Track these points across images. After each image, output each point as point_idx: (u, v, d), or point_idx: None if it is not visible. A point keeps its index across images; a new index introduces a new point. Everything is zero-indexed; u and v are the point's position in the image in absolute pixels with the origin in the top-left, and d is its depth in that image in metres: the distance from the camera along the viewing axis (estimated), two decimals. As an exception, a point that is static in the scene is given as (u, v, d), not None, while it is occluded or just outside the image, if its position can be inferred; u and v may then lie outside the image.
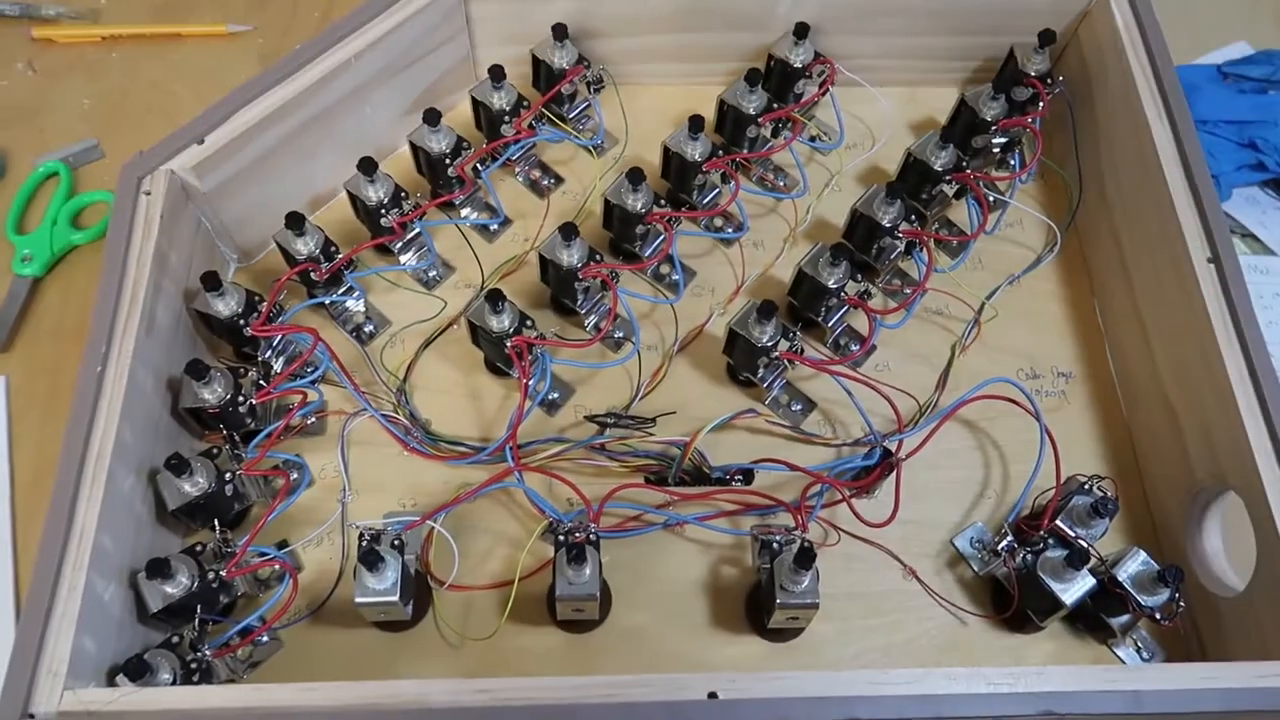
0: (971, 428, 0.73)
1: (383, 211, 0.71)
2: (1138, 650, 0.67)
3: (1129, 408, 0.74)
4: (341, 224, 0.75)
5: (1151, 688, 0.53)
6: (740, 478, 0.69)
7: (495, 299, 0.65)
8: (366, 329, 0.74)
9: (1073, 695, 0.53)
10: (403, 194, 0.72)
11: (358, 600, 0.58)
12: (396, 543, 0.60)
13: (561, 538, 0.61)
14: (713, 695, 0.52)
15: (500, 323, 0.66)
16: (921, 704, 0.52)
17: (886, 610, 0.67)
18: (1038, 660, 0.66)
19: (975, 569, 0.68)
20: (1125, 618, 0.64)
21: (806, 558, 0.58)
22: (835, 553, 0.68)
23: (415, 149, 0.74)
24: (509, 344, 0.66)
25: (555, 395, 0.72)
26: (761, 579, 0.64)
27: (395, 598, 0.58)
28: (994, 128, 0.77)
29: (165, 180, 0.65)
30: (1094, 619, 0.65)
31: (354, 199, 0.72)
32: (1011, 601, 0.65)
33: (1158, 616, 0.61)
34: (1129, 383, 0.74)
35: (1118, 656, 0.66)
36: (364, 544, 0.60)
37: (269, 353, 0.69)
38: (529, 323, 0.67)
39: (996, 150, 0.80)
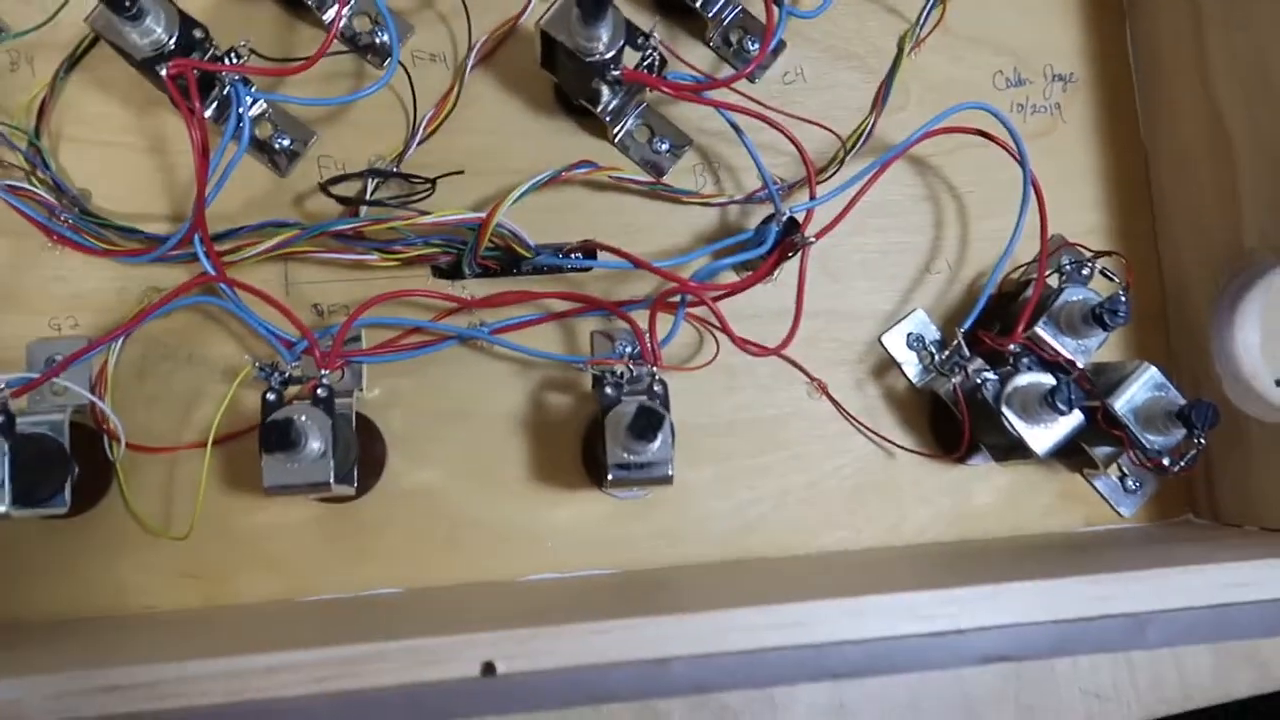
0: (919, 165, 0.50)
1: None
2: (1122, 479, 0.49)
3: (1151, 131, 0.50)
4: None
5: (1165, 606, 0.35)
6: (579, 255, 0.47)
7: (124, -10, 0.37)
8: (-38, 42, 0.46)
9: (1038, 628, 0.35)
10: None
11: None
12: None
13: (270, 395, 0.39)
14: (489, 668, 0.33)
15: (144, 33, 0.39)
16: (800, 662, 0.33)
17: (783, 443, 0.48)
18: (987, 499, 0.48)
19: (911, 377, 0.48)
20: (1112, 449, 0.45)
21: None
22: (713, 366, 0.47)
23: None
24: (163, 70, 0.39)
25: (287, 141, 0.46)
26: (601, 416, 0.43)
27: (4, 507, 0.37)
28: None
29: None
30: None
31: None
32: (959, 426, 0.45)
33: (1166, 462, 0.42)
34: (1159, 92, 0.50)
35: (1096, 490, 0.49)
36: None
37: None
38: (200, 31, 0.40)
39: None
